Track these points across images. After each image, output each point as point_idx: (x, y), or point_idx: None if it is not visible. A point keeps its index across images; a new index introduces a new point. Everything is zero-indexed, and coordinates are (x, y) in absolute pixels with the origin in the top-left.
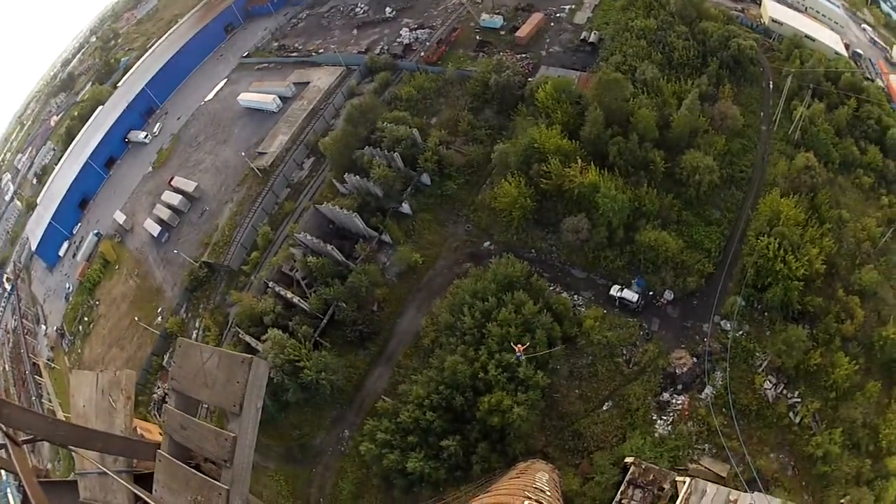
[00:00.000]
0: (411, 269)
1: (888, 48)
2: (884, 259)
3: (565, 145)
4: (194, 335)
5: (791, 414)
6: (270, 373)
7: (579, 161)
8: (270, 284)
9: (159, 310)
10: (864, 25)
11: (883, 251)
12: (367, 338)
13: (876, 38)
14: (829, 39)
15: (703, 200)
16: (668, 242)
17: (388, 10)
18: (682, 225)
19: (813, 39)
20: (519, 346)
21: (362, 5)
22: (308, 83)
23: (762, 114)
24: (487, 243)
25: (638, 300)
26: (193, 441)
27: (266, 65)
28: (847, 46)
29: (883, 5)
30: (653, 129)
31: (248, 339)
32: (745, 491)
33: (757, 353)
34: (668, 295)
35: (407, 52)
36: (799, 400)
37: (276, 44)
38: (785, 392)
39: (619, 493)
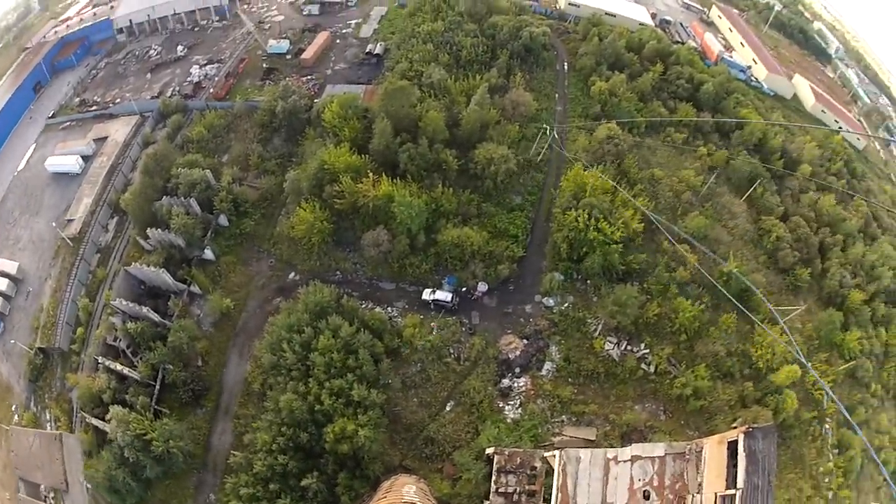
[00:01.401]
0: (225, 315)
1: (705, 9)
2: (709, 204)
3: (355, 161)
4: (48, 427)
5: (643, 365)
6: (125, 451)
7: (371, 174)
8: (100, 360)
9: (13, 407)
10: None
11: (708, 196)
12: (199, 395)
13: (690, 2)
14: (633, 12)
15: (503, 189)
16: (472, 237)
17: (179, 48)
18: (484, 217)
19: (614, 15)
20: None
21: (156, 47)
22: (107, 137)
23: (557, 95)
24: (293, 274)
25: (453, 298)
26: None
27: (69, 123)
28: (654, 16)
29: None
30: (442, 129)
31: (94, 421)
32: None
33: (589, 320)
34: (482, 287)
35: (197, 91)
36: (647, 351)
37: (77, 99)
38: (630, 348)
39: (492, 482)
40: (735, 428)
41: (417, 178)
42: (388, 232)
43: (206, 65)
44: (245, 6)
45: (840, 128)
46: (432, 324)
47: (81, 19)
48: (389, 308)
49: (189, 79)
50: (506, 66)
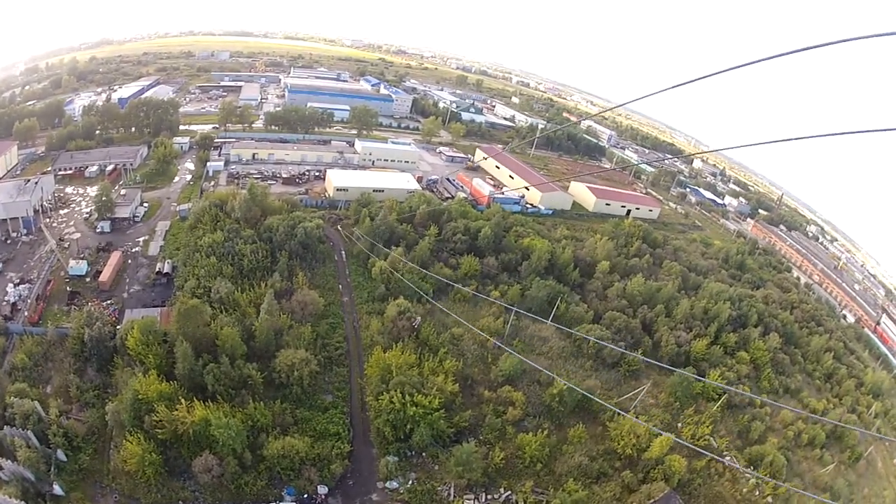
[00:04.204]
0: None
1: (469, 156)
2: (517, 340)
3: (165, 388)
4: None
5: None
6: None
7: (183, 400)
8: None
9: None
10: (440, 149)
11: (514, 333)
12: None
13: (454, 154)
14: (399, 183)
15: (311, 392)
16: (296, 444)
17: None
18: (302, 422)
19: (381, 190)
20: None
21: None
22: None
23: (341, 286)
24: None
25: None
26: None
27: None
28: (420, 179)
29: (463, 115)
30: (240, 344)
31: None
32: None
33: (439, 488)
34: (322, 489)
35: (14, 313)
36: (509, 492)
37: None
38: (490, 497)
39: None
40: None
41: (227, 397)
42: (215, 455)
43: (19, 284)
44: (47, 220)
45: (628, 211)
46: None
47: None
48: None
49: (6, 298)
50: (287, 268)
